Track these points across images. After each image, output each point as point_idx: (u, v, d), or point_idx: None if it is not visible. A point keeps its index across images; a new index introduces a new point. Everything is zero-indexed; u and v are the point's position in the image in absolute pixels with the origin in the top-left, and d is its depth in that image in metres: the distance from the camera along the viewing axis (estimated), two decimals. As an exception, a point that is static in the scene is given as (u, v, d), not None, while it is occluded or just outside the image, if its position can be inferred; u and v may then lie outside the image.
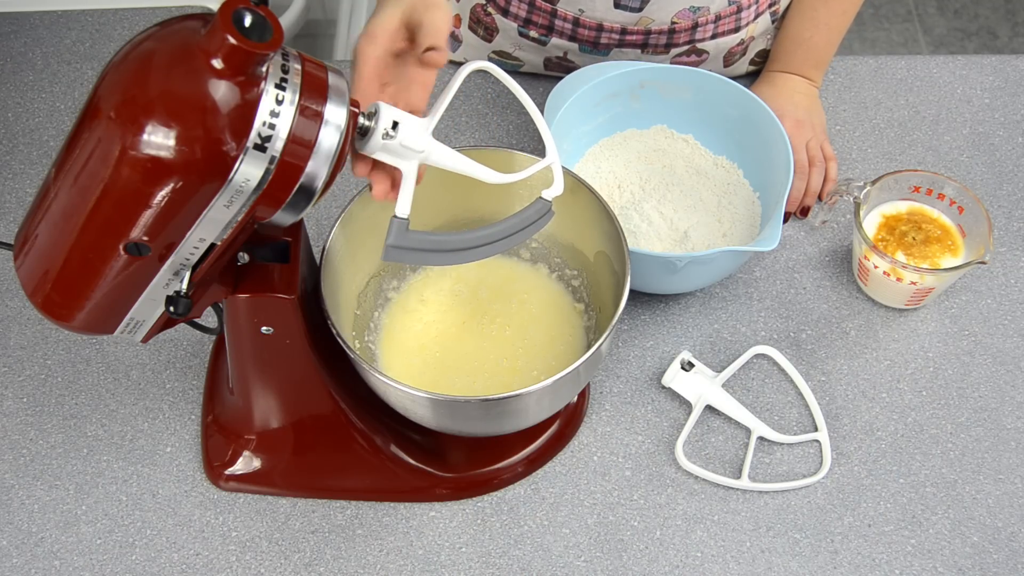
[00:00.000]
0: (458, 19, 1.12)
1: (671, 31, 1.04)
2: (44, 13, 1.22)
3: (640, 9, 1.02)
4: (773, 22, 1.11)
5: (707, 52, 1.08)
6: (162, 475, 0.90)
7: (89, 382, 0.95)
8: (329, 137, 0.62)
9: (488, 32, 1.11)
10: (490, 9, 1.09)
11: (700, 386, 0.93)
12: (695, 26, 1.04)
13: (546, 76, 1.13)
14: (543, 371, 0.88)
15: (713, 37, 1.06)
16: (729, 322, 0.98)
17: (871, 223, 0.98)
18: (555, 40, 1.08)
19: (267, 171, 0.61)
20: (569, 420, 0.92)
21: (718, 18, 1.04)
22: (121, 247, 0.63)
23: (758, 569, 0.86)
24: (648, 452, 0.91)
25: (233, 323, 0.77)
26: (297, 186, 0.63)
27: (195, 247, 0.65)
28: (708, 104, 1.02)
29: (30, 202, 0.67)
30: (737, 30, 1.07)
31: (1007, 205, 1.07)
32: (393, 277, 0.92)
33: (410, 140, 0.68)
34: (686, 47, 1.07)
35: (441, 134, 1.08)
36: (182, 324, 0.77)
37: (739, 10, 1.05)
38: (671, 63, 1.08)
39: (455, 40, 1.14)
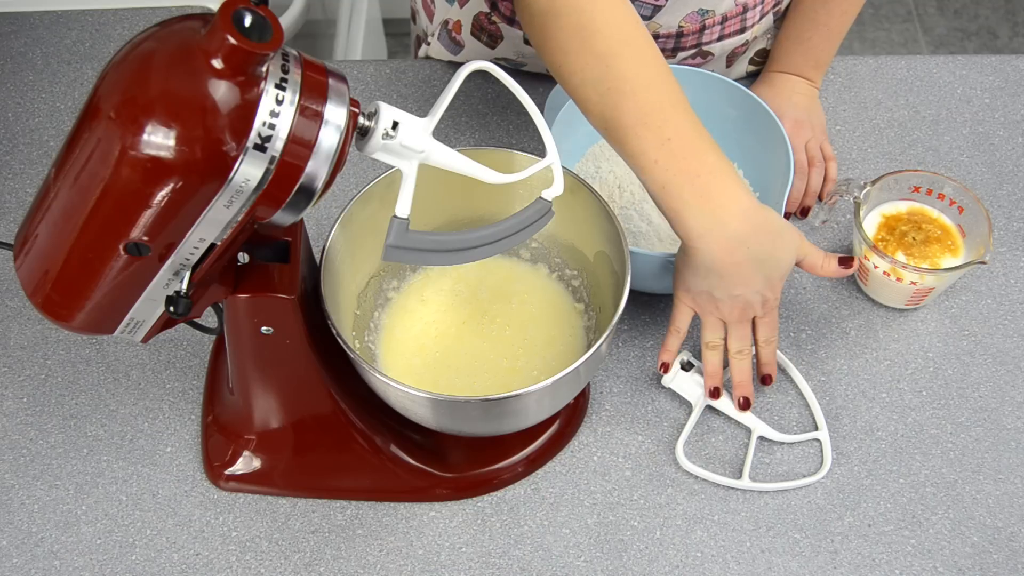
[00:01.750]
0: (459, 25, 1.12)
1: (679, 35, 1.04)
2: (44, 13, 1.22)
3: (651, 16, 1.01)
4: (775, 22, 1.11)
5: (712, 54, 1.08)
6: (162, 475, 0.90)
7: (89, 382, 0.95)
8: (329, 137, 0.62)
9: (492, 39, 1.11)
10: (495, 18, 1.09)
11: (700, 386, 0.92)
12: (702, 29, 1.04)
13: (547, 76, 1.13)
14: (543, 371, 0.88)
15: (719, 39, 1.06)
16: (729, 322, 0.98)
17: (871, 223, 0.98)
18: None
19: (267, 171, 0.61)
20: (569, 420, 0.92)
21: (724, 19, 1.04)
22: (121, 247, 0.63)
23: (758, 569, 0.86)
24: (648, 452, 0.91)
25: (233, 323, 0.77)
26: (297, 186, 0.63)
27: (195, 247, 0.65)
28: (708, 104, 1.02)
29: (30, 202, 0.67)
30: (743, 31, 1.07)
31: (1007, 205, 1.07)
32: (393, 277, 0.92)
33: (410, 140, 0.68)
34: (693, 51, 1.07)
35: (441, 134, 1.08)
36: (182, 324, 0.77)
37: (745, 11, 1.05)
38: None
39: (456, 45, 1.13)
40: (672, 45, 1.05)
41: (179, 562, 0.86)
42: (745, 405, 0.91)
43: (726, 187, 0.79)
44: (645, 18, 1.02)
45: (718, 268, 0.81)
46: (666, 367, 0.91)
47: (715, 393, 0.91)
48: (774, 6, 1.09)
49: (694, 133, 0.79)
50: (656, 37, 1.04)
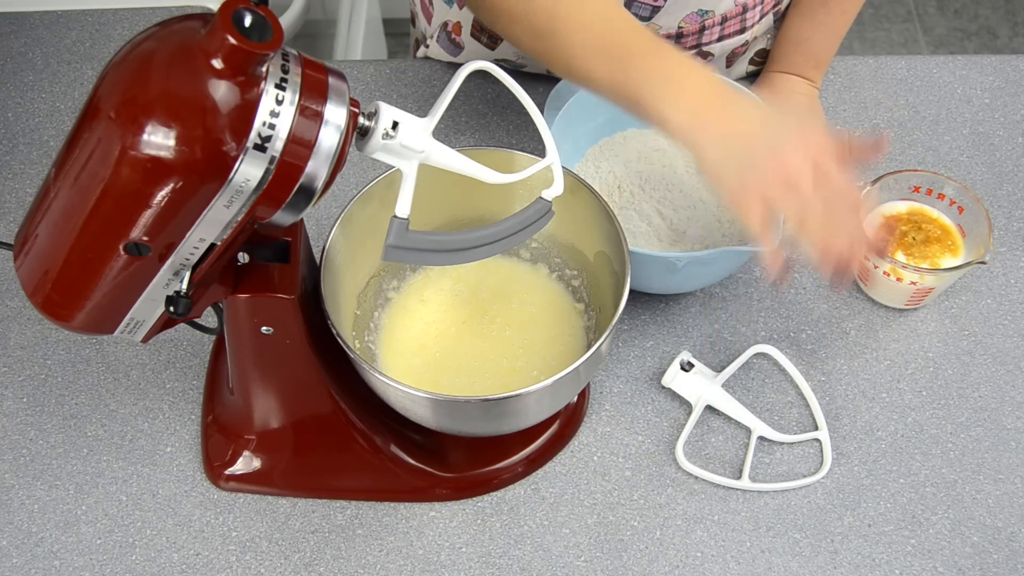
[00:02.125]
0: (458, 26, 1.12)
1: (678, 36, 1.04)
2: (44, 13, 1.22)
3: (650, 18, 1.01)
4: (775, 22, 1.11)
5: (712, 54, 1.08)
6: (162, 475, 0.90)
7: (89, 382, 0.95)
8: (329, 137, 0.62)
9: (492, 40, 1.11)
10: None
11: (700, 386, 0.92)
12: (702, 29, 1.04)
13: (546, 76, 1.13)
14: (543, 371, 0.88)
15: (719, 40, 1.06)
16: (729, 322, 0.98)
17: (871, 223, 0.98)
18: None
19: (267, 171, 0.61)
20: (569, 420, 0.92)
21: (724, 20, 1.04)
22: (121, 247, 0.63)
23: (758, 569, 0.86)
24: (648, 452, 0.91)
25: (233, 323, 0.77)
26: (297, 186, 0.63)
27: (195, 247, 0.65)
28: (708, 104, 1.02)
29: (30, 202, 0.67)
30: (742, 31, 1.07)
31: (1007, 205, 1.07)
32: (393, 277, 0.92)
33: (410, 140, 0.68)
34: (692, 51, 1.07)
35: (441, 134, 1.08)
36: (182, 324, 0.77)
37: (744, 11, 1.05)
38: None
39: (456, 46, 1.13)
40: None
41: (179, 562, 0.86)
42: (842, 273, 0.77)
43: (679, 63, 0.78)
44: (644, 19, 1.01)
45: (723, 137, 0.77)
46: (779, 278, 0.79)
47: (840, 268, 0.77)
48: (774, 6, 1.09)
49: (636, 38, 0.79)
50: None
